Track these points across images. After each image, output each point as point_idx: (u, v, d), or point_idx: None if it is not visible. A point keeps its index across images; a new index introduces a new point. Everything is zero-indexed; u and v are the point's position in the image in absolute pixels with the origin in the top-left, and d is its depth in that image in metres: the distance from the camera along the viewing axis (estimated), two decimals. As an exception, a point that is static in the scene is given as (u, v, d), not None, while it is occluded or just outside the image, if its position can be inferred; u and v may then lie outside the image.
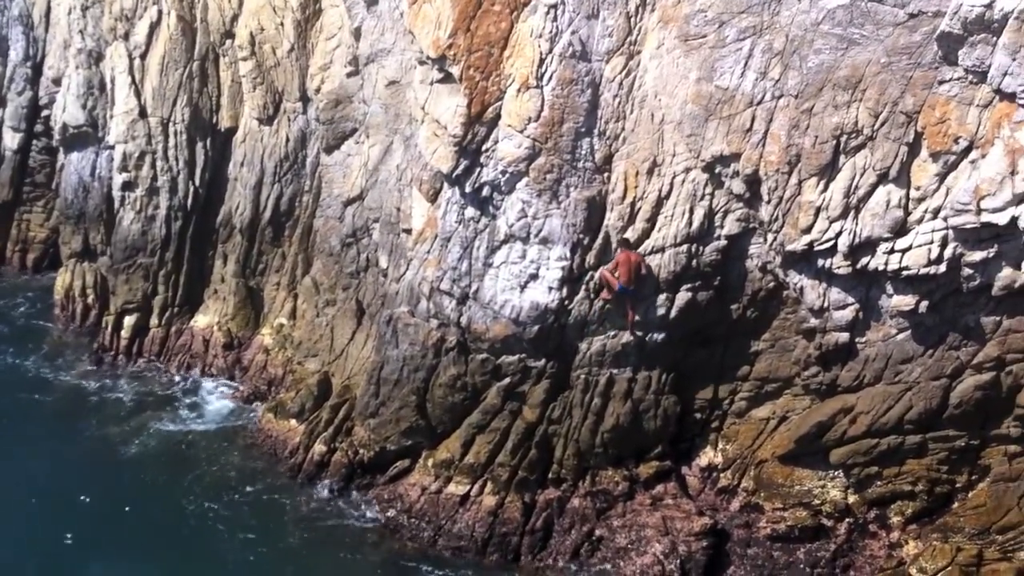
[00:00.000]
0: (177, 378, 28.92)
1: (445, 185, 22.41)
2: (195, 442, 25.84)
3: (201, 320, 29.94)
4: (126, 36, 29.22)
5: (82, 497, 23.51)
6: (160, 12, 28.79)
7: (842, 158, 18.60)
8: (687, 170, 20.28)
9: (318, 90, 27.25)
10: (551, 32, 20.57)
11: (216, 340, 29.37)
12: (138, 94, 29.10)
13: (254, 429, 26.10)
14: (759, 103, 19.20)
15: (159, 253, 29.60)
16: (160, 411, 27.19)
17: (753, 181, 19.56)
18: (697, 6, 19.60)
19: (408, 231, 23.94)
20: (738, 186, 19.83)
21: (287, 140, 28.49)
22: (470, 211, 22.01)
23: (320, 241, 27.82)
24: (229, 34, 28.66)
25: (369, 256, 26.40)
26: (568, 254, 21.20)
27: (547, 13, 20.57)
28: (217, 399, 27.84)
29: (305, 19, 27.82)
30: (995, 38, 16.59)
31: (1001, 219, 16.74)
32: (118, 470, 24.66)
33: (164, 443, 25.75)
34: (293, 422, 25.49)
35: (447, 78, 21.79)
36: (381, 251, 25.40)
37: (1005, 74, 16.54)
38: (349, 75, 26.39)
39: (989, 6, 16.43)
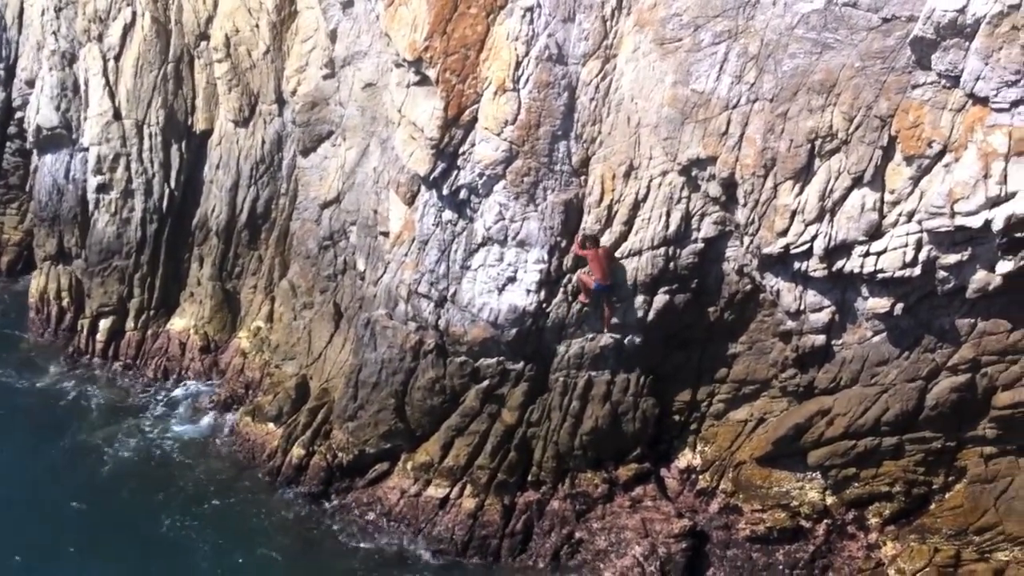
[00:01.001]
0: (153, 382, 28.72)
1: (422, 188, 22.37)
2: (172, 447, 25.68)
3: (177, 323, 29.75)
4: (100, 38, 28.94)
5: (55, 507, 23.35)
6: (134, 14, 28.48)
7: (817, 161, 18.68)
8: (664, 173, 20.30)
9: (294, 92, 27.06)
10: (527, 35, 20.54)
11: (193, 343, 29.18)
12: (112, 96, 28.84)
13: (231, 433, 25.99)
14: (735, 107, 19.24)
15: (134, 256, 29.37)
16: (136, 416, 26.98)
17: (729, 184, 19.60)
18: (672, 10, 19.61)
19: (385, 234, 23.85)
20: (714, 189, 19.88)
21: (263, 142, 28.30)
22: (447, 214, 21.98)
23: (297, 244, 27.68)
24: (204, 36, 28.40)
25: (346, 259, 26.28)
26: (546, 257, 21.21)
27: (523, 16, 20.54)
28: (194, 403, 27.65)
29: (280, 21, 27.60)
30: (967, 43, 16.66)
31: (975, 222, 16.83)
32: (93, 478, 24.51)
33: (140, 449, 25.58)
34: (271, 426, 25.37)
35: (423, 81, 21.74)
36: (358, 254, 25.31)
37: (978, 78, 16.62)
38: (325, 77, 26.22)
39: (962, 11, 16.50)
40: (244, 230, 28.95)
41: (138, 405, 27.60)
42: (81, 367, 29.34)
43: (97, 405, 27.57)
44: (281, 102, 27.92)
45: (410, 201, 22.83)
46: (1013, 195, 16.46)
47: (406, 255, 22.76)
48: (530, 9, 20.55)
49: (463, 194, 21.60)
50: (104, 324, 29.77)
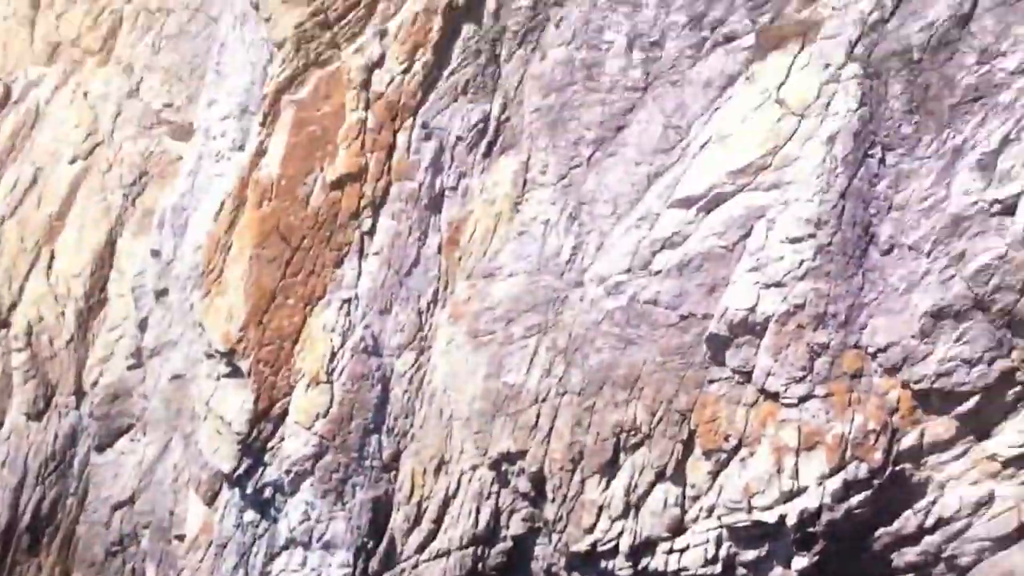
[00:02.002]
0: None
1: (225, 486, 23.49)
2: None
3: (-71, 649, 28.96)
4: None
5: None
6: (-68, 300, 30.06)
7: (622, 456, 20.70)
8: (474, 468, 22.02)
9: (96, 383, 28.40)
10: (344, 326, 22.79)
11: (-56, 674, 28.35)
12: None
13: None
14: (544, 400, 21.44)
15: None
16: None
17: (538, 479, 21.37)
18: (486, 303, 22.20)
19: (181, 537, 24.52)
20: (524, 484, 21.60)
21: (56, 437, 29.04)
22: (249, 514, 23.03)
23: (82, 550, 27.81)
24: (4, 323, 29.92)
25: (136, 567, 26.54)
26: (351, 560, 22.21)
27: (340, 307, 22.89)
28: None
29: (88, 308, 29.38)
30: (758, 340, 19.49)
31: (770, 517, 18.94)
32: None
33: None
34: None
35: (235, 372, 23.48)
36: (149, 561, 25.69)
37: (768, 374, 19.31)
38: (130, 368, 27.79)
39: (752, 310, 19.44)
40: (25, 534, 28.89)
41: None
42: None
43: None
44: (80, 394, 29.00)
45: (210, 501, 23.79)
46: (804, 490, 18.77)
47: (201, 561, 23.43)
48: (348, 301, 22.95)
49: (268, 492, 22.79)
50: None
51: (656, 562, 20.21)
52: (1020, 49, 18.24)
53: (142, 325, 27.54)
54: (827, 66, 19.51)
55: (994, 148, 18.05)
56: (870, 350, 18.63)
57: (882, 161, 18.93)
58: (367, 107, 23.38)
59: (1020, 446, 17.81)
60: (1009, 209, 17.74)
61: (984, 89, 18.37)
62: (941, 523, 19.00)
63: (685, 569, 19.90)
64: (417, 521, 22.24)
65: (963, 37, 18.72)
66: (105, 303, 29.27)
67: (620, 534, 20.46)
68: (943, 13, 18.86)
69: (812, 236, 18.95)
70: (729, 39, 20.77)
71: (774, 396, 19.30)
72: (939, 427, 18.35)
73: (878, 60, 19.19)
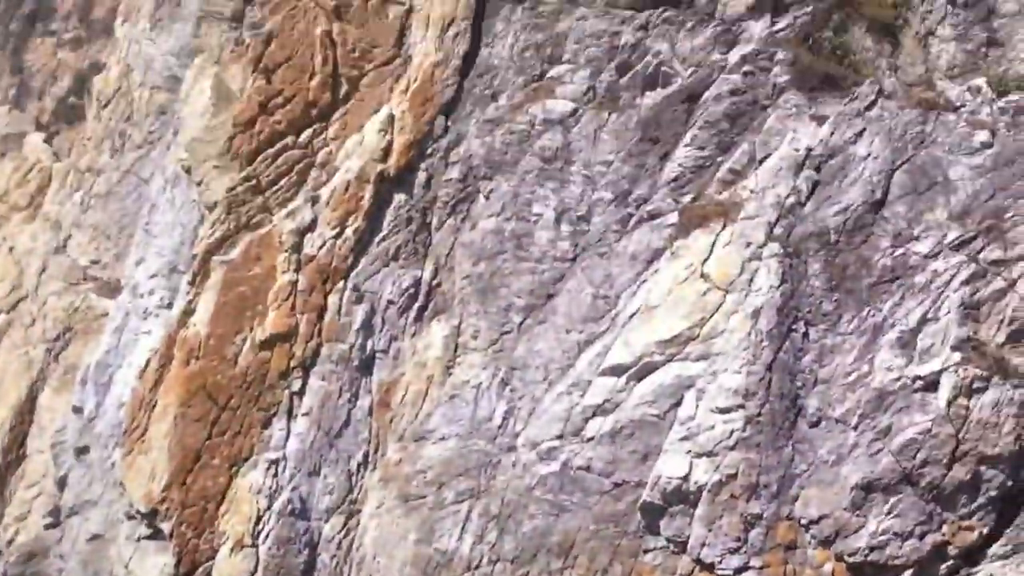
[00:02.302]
0: None
1: (141, 653, 22.58)
2: None
3: None
4: None
5: None
6: None
7: (564, 629, 20.49)
8: (389, 642, 21.60)
9: (11, 542, 27.57)
10: (271, 488, 22.34)
11: None
12: None
13: None
14: (477, 567, 21.12)
15: None
16: None
17: (469, 655, 21.02)
18: (417, 466, 21.99)
19: None
20: (452, 658, 21.18)
21: (-33, 599, 27.93)
22: None
23: None
24: (-85, 481, 28.79)
25: None
26: None
27: (268, 468, 22.48)
28: None
29: (6, 464, 28.70)
30: (692, 509, 19.44)
31: None
32: None
33: None
34: None
35: (156, 534, 22.97)
36: None
37: (703, 545, 19.26)
38: (48, 527, 26.99)
39: (685, 479, 19.46)
40: None
41: None
42: None
43: None
44: (-7, 554, 28.00)
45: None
46: (740, 663, 18.66)
47: None
48: (275, 462, 22.53)
49: (184, 667, 22.01)
50: None
51: None
52: (931, 235, 19.14)
53: (61, 483, 26.78)
54: (748, 244, 20.15)
55: (913, 327, 18.70)
56: (803, 521, 18.76)
57: (805, 336, 19.43)
58: (298, 269, 23.46)
59: (955, 623, 18.02)
60: (931, 386, 18.29)
61: (900, 270, 19.15)
62: None
63: None
64: None
65: (877, 221, 19.59)
66: (23, 459, 28.59)
67: None
68: (857, 199, 19.77)
69: (741, 407, 19.23)
70: (654, 216, 21.38)
71: (710, 567, 19.23)
72: (875, 601, 18.49)
73: (797, 240, 19.92)
